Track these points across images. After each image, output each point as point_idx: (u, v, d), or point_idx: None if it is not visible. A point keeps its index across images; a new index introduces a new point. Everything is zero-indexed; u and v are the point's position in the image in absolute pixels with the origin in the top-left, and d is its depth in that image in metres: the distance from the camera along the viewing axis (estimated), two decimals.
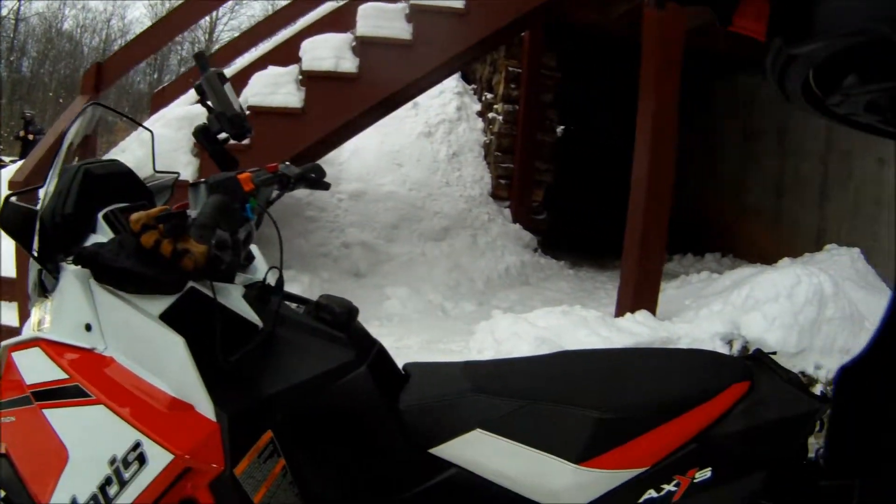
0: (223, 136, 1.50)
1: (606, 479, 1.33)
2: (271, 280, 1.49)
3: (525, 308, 4.90)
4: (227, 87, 1.48)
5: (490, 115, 7.69)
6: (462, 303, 5.41)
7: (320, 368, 1.38)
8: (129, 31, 28.70)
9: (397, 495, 1.38)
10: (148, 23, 22.21)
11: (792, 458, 1.41)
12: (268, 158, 1.91)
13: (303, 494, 1.36)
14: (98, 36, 30.14)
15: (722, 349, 3.70)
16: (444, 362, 1.63)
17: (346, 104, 4.88)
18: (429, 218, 6.50)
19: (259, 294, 1.46)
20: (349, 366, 1.40)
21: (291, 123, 4.79)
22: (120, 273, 1.26)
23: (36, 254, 1.38)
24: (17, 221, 1.38)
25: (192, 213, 1.31)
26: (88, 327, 1.29)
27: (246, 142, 2.09)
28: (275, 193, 1.60)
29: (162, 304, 1.29)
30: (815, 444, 1.41)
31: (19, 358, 1.32)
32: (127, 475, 1.19)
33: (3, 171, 7.62)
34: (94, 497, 1.20)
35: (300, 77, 4.94)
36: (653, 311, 4.15)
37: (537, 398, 1.39)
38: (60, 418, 1.24)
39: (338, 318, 1.45)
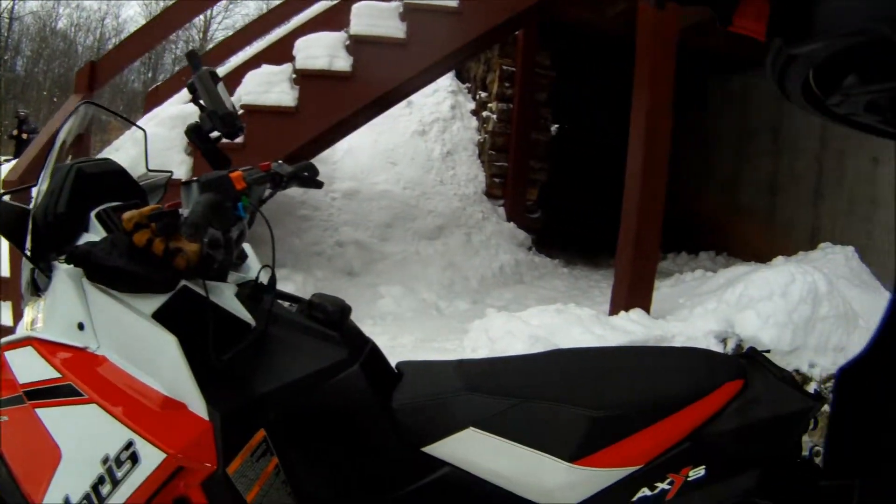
0: (215, 134, 1.50)
1: (600, 477, 1.33)
2: (264, 279, 1.49)
3: (519, 306, 4.89)
4: (220, 86, 1.48)
5: (484, 113, 7.68)
6: (456, 301, 5.39)
7: (313, 367, 1.38)
8: (124, 29, 28.56)
9: (390, 494, 1.38)
10: (142, 21, 22.15)
11: (785, 456, 1.42)
12: (261, 157, 1.90)
13: (296, 493, 1.36)
14: (92, 35, 30.02)
15: (716, 347, 3.70)
16: (438, 361, 1.63)
17: (339, 103, 4.87)
18: (423, 216, 6.48)
19: (252, 293, 1.46)
20: (342, 364, 1.40)
21: (285, 122, 4.77)
22: (112, 272, 1.26)
23: (28, 253, 1.37)
24: (9, 221, 1.38)
25: (185, 211, 1.31)
26: (81, 326, 1.28)
27: (239, 140, 2.09)
28: (267, 192, 1.60)
29: (154, 302, 1.29)
30: (808, 442, 1.42)
31: (12, 357, 1.31)
32: (120, 474, 1.19)
33: None
34: (86, 496, 1.20)
35: (294, 76, 4.92)
36: (647, 309, 4.14)
37: (531, 397, 1.39)
38: (53, 418, 1.24)
39: (331, 316, 1.45)
